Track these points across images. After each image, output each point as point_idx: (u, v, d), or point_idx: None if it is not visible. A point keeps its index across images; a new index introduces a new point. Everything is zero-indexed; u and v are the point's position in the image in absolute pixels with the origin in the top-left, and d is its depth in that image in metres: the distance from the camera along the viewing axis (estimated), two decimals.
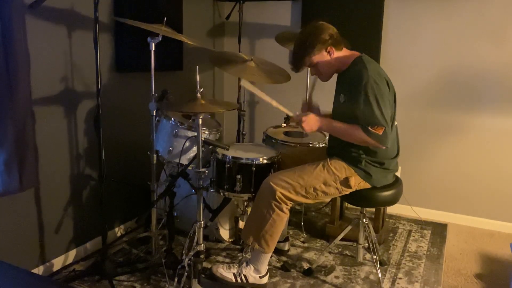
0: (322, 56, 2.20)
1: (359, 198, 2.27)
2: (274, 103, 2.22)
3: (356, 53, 2.24)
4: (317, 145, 2.74)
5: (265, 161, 2.35)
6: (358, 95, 2.06)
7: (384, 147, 2.12)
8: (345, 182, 2.19)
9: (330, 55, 2.20)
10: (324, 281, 2.46)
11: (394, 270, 2.61)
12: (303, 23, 3.57)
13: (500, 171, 3.18)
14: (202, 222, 2.18)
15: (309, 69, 2.34)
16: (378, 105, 2.04)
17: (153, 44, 2.31)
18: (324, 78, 2.30)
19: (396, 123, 2.25)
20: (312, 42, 2.16)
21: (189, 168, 2.37)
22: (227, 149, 2.35)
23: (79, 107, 2.51)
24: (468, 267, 2.69)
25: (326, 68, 2.24)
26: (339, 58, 2.22)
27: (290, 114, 2.26)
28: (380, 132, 2.05)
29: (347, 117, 2.13)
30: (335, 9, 3.44)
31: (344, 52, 2.24)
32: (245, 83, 2.24)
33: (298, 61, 2.24)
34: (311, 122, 2.16)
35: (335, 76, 2.33)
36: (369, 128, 2.05)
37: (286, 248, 2.76)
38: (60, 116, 2.41)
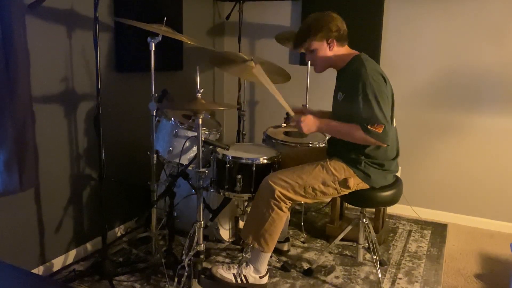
0: (321, 45, 2.19)
1: (358, 198, 2.26)
2: (281, 100, 2.20)
3: (355, 52, 2.24)
4: (317, 145, 2.74)
5: (265, 161, 2.35)
6: (357, 93, 2.06)
7: (385, 145, 2.12)
8: (344, 183, 2.19)
9: (330, 48, 2.20)
10: (324, 281, 2.46)
11: (394, 270, 2.61)
12: None
13: (500, 171, 3.18)
14: (202, 222, 2.18)
15: (305, 56, 2.33)
16: (378, 103, 2.04)
17: (153, 44, 2.31)
18: (318, 68, 2.29)
19: (395, 125, 2.25)
20: (318, 27, 2.16)
21: (189, 168, 2.37)
22: (227, 149, 2.35)
23: (79, 107, 2.51)
24: (468, 267, 2.69)
25: (321, 59, 2.23)
26: (338, 55, 2.22)
27: (292, 114, 2.26)
28: (380, 130, 2.04)
29: (346, 115, 2.13)
30: (335, 9, 3.36)
31: (345, 50, 2.24)
32: (258, 70, 2.19)
33: (298, 40, 2.25)
34: (309, 123, 2.16)
35: (334, 73, 2.33)
36: (368, 127, 2.04)
37: (286, 248, 2.76)
38: (60, 116, 2.41)
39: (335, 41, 2.19)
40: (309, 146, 2.73)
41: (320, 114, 2.49)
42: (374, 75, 2.08)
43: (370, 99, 2.04)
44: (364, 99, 2.05)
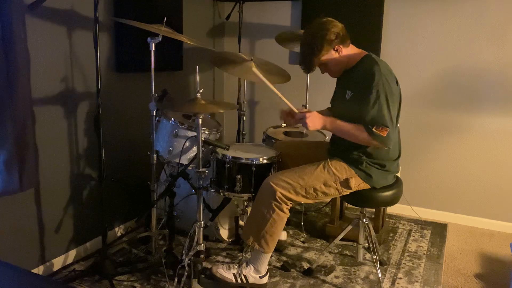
0: (330, 55, 2.19)
1: (359, 198, 2.26)
2: (283, 98, 2.20)
3: (363, 51, 2.24)
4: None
5: (265, 161, 2.35)
6: (369, 93, 2.05)
7: (386, 148, 2.12)
8: (345, 183, 2.19)
9: (338, 53, 2.20)
10: (324, 281, 2.46)
11: (394, 270, 2.61)
12: (303, 23, 3.56)
13: (500, 171, 3.18)
14: (202, 222, 2.18)
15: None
16: (388, 105, 2.04)
17: (153, 44, 2.31)
18: (334, 74, 2.31)
19: (398, 125, 2.25)
20: (319, 43, 2.15)
21: (189, 168, 2.37)
22: (227, 149, 2.35)
23: (79, 107, 2.51)
24: (468, 267, 2.69)
25: (335, 66, 2.24)
26: (348, 55, 2.21)
27: (295, 110, 2.24)
28: (384, 133, 2.04)
29: (352, 114, 2.12)
30: (335, 9, 3.43)
31: (352, 49, 2.24)
32: (255, 71, 2.21)
33: (307, 62, 2.23)
34: (314, 120, 2.14)
35: None
36: (373, 129, 2.04)
37: (283, 238, 2.76)
38: (60, 116, 2.41)
39: (341, 46, 2.18)
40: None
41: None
42: (388, 75, 2.08)
43: (381, 100, 2.03)
44: (376, 99, 2.04)
